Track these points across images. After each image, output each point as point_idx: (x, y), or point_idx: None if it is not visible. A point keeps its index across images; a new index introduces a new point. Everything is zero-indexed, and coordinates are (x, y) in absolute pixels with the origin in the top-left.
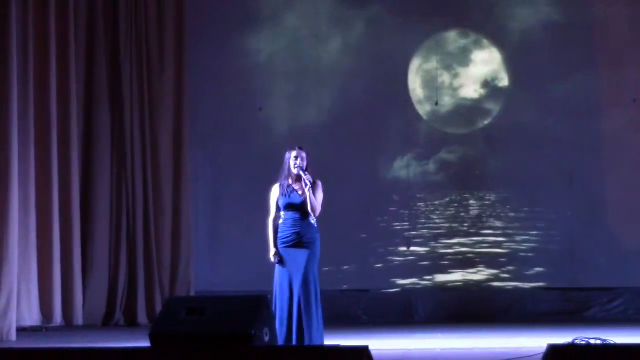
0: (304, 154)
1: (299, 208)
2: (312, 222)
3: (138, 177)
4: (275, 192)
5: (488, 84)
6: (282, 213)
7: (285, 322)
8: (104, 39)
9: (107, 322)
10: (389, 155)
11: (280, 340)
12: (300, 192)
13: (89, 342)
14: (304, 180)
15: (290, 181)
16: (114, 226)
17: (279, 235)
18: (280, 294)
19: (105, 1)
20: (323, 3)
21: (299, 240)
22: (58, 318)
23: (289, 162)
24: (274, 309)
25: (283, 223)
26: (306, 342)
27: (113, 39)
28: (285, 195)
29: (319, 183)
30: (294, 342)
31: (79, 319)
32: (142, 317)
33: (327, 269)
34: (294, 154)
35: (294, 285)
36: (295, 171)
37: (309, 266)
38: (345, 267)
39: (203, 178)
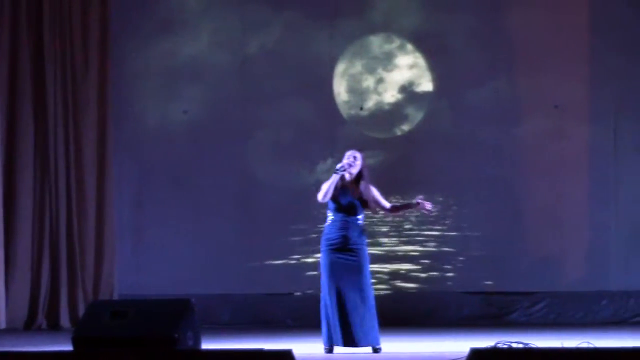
0: (357, 154)
1: (347, 209)
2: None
3: (61, 179)
4: None
5: (412, 89)
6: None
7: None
8: (27, 38)
9: (29, 326)
10: (311, 159)
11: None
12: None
13: (11, 345)
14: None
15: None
16: (36, 228)
17: (326, 237)
18: (330, 297)
19: (29, 1)
20: (239, 6)
21: (345, 243)
22: None
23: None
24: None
25: (331, 224)
26: None
27: (37, 39)
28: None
29: (371, 187)
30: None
31: (1, 322)
32: (64, 320)
33: (251, 272)
34: (348, 152)
35: (346, 289)
36: (339, 165)
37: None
38: (270, 270)
39: (127, 180)
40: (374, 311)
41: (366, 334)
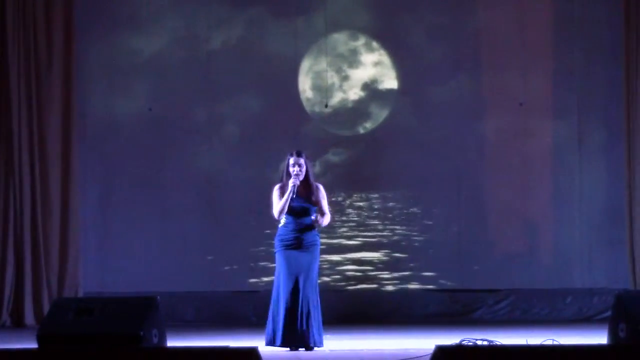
0: (302, 161)
1: (299, 212)
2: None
3: (26, 176)
4: (276, 193)
5: (376, 87)
6: (283, 217)
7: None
8: None
9: None
10: (276, 156)
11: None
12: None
13: None
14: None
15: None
16: (0, 225)
17: (280, 238)
18: (285, 294)
19: None
20: (203, 2)
21: (299, 244)
22: None
23: (288, 168)
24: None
25: (284, 226)
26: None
27: (0, 34)
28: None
29: (320, 187)
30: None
31: None
32: (29, 318)
33: (216, 269)
34: (291, 160)
35: (299, 286)
36: (290, 182)
37: (311, 268)
38: (234, 268)
39: (92, 177)
40: (319, 311)
41: (313, 333)
